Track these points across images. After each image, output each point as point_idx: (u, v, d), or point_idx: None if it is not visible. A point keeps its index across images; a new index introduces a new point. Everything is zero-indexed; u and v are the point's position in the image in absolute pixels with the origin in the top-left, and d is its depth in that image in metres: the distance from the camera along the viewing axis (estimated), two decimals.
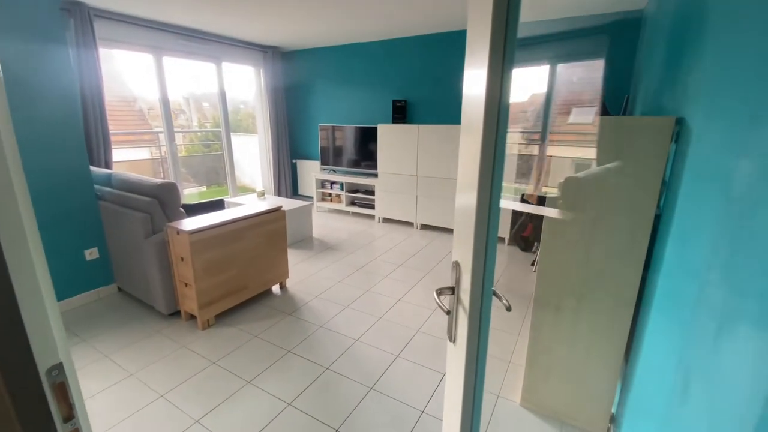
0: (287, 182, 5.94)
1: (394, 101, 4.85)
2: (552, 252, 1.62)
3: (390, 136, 4.66)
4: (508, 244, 4.17)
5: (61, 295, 2.71)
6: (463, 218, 0.86)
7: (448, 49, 4.45)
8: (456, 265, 0.89)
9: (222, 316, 2.64)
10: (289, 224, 4.07)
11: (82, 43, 3.40)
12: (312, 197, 5.76)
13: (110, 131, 3.74)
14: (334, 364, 2.14)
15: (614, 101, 3.61)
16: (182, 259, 2.40)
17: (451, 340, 0.96)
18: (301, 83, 5.80)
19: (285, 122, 5.73)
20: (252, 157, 6.14)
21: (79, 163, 2.72)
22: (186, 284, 2.45)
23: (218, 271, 2.51)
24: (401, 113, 4.85)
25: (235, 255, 2.61)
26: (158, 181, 2.61)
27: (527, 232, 3.78)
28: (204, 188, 6.28)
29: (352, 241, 4.28)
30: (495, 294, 0.98)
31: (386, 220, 5.09)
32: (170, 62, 4.45)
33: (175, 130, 4.47)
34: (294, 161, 6.13)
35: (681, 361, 0.93)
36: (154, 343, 2.35)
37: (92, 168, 3.17)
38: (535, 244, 3.74)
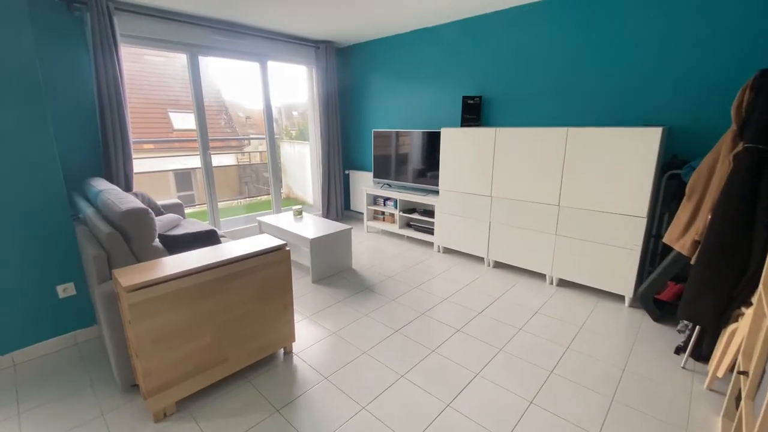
0: (338, 196, 5.18)
1: (464, 98, 3.76)
2: None
3: (456, 144, 3.57)
4: (630, 306, 2.80)
5: (25, 341, 2.20)
6: None
7: (543, 24, 3.24)
8: None
9: (188, 401, 1.86)
10: (322, 254, 3.25)
11: (99, 40, 2.98)
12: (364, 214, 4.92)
13: (169, 137, 3.30)
14: None
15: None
16: (129, 322, 1.67)
17: None
18: (356, 82, 5.01)
19: (337, 127, 4.98)
20: (306, 167, 5.56)
21: (50, 177, 2.18)
22: (137, 355, 1.72)
23: (180, 341, 1.73)
24: (474, 113, 3.75)
25: (209, 316, 1.81)
26: (124, 206, 1.94)
27: (667, 295, 2.40)
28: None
29: (401, 278, 3.30)
30: None
31: (448, 251, 4.01)
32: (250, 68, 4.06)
33: (210, 137, 3.98)
34: (347, 172, 5.37)
35: None
36: None
37: (94, 182, 2.70)
38: (682, 321, 2.32)
